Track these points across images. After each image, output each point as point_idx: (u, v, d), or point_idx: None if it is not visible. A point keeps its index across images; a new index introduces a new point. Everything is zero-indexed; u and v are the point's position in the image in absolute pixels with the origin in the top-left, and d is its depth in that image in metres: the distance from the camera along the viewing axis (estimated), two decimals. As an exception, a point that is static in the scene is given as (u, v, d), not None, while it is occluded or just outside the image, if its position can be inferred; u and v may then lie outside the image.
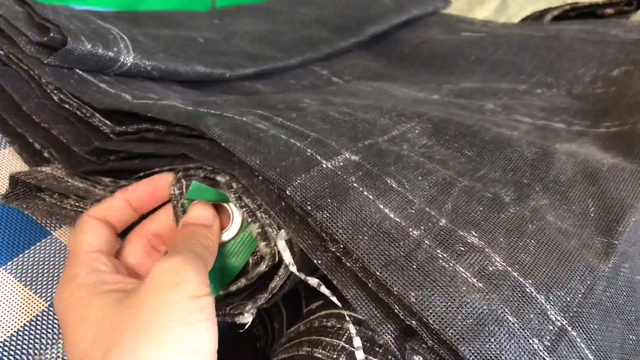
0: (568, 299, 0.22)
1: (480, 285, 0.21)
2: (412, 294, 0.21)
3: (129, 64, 0.35)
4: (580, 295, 0.23)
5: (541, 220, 0.25)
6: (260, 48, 0.47)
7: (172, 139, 0.28)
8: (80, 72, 0.34)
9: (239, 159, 0.25)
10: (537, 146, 0.31)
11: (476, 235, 0.24)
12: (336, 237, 0.22)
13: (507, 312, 0.21)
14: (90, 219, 0.25)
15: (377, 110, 0.32)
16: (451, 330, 0.20)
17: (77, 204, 0.30)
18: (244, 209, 0.26)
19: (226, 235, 0.26)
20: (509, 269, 0.22)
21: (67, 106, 0.32)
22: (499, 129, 0.32)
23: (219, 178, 0.26)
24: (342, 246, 0.23)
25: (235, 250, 0.26)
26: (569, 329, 0.22)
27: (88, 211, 0.26)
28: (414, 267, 0.22)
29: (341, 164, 0.25)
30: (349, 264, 0.23)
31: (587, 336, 0.23)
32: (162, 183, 0.27)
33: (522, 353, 0.20)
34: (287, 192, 0.23)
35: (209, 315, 0.21)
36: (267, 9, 0.58)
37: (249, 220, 0.26)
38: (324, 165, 0.25)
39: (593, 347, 0.23)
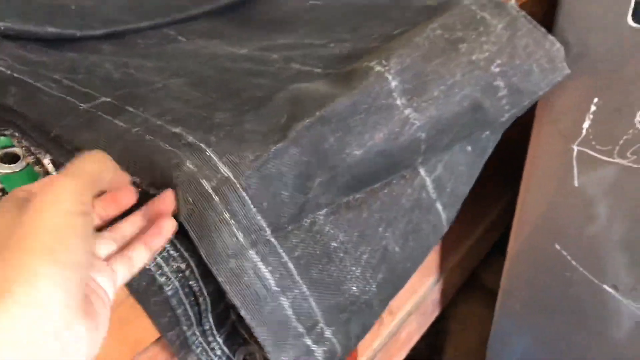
0: (237, 160, 0.34)
1: (171, 148, 0.33)
2: (127, 163, 0.33)
3: (-17, 23, 0.46)
4: (248, 160, 0.35)
5: (238, 126, 0.37)
6: (121, 14, 0.58)
7: None
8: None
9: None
10: (272, 90, 0.43)
11: (181, 129, 0.36)
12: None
13: (187, 162, 0.33)
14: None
15: (157, 71, 0.44)
16: (149, 177, 0.32)
17: None
18: (23, 148, 0.38)
19: (14, 168, 0.39)
20: (197, 142, 0.35)
21: None
22: (253, 79, 0.44)
23: (6, 132, 0.38)
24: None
25: (21, 180, 0.38)
26: (232, 178, 0.34)
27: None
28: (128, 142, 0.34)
29: (96, 103, 0.38)
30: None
31: (248, 185, 0.35)
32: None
33: (195, 187, 0.33)
34: (53, 133, 0.36)
35: (80, 232, 0.23)
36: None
37: (27, 155, 0.38)
38: (81, 107, 0.37)
39: (251, 192, 0.35)
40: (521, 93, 0.57)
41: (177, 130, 0.35)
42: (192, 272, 0.36)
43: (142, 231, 0.32)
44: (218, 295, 0.38)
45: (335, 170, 0.40)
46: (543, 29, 0.61)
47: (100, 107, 0.37)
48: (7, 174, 0.38)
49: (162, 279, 0.34)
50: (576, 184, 0.67)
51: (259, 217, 0.35)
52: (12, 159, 0.39)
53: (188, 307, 0.36)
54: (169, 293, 0.35)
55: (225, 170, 0.34)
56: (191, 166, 0.33)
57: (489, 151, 0.61)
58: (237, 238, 0.33)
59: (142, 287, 0.34)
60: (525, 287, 0.79)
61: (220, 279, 0.33)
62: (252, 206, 0.34)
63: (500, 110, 0.55)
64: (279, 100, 0.41)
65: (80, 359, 0.23)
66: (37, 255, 0.22)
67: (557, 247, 0.72)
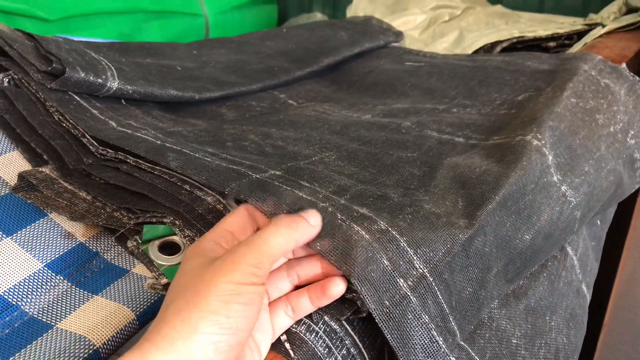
0: (431, 255, 0.31)
1: (367, 236, 0.30)
2: (318, 242, 0.30)
3: (115, 88, 0.44)
4: (440, 254, 0.32)
5: (419, 206, 0.34)
6: (227, 75, 0.56)
7: (137, 175, 0.37)
8: (78, 99, 0.44)
9: (185, 197, 0.34)
10: (427, 165, 0.40)
11: (366, 210, 0.33)
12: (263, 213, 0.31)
13: (383, 257, 0.30)
14: (243, 209, 0.32)
15: (305, 143, 0.42)
16: (345, 267, 0.29)
17: (68, 197, 0.39)
18: (186, 239, 0.35)
19: (176, 260, 0.35)
20: (389, 228, 0.31)
21: (64, 124, 0.41)
22: (400, 152, 0.42)
23: (165, 220, 0.35)
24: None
25: None
26: (428, 275, 0.31)
27: (246, 205, 0.32)
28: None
29: (266, 175, 0.35)
30: None
31: (440, 282, 0.31)
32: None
33: (391, 287, 0.29)
34: (225, 191, 0.33)
35: (247, 300, 0.26)
36: (239, 42, 0.67)
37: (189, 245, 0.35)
38: (254, 177, 0.34)
39: (443, 291, 0.31)
40: (650, 163, 0.54)
41: (364, 211, 0.32)
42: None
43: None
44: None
45: (509, 257, 0.36)
46: (657, 94, 0.59)
47: (275, 179, 0.34)
48: (169, 266, 0.35)
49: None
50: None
51: (452, 318, 0.31)
52: (174, 249, 0.36)
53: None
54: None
55: (420, 266, 0.30)
56: (386, 262, 0.30)
57: (609, 223, 0.57)
58: (438, 344, 0.30)
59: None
60: (625, 362, 0.74)
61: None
62: (445, 307, 0.31)
63: (633, 182, 0.53)
64: (445, 179, 0.38)
65: None
66: (202, 314, 0.25)
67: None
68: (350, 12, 1.02)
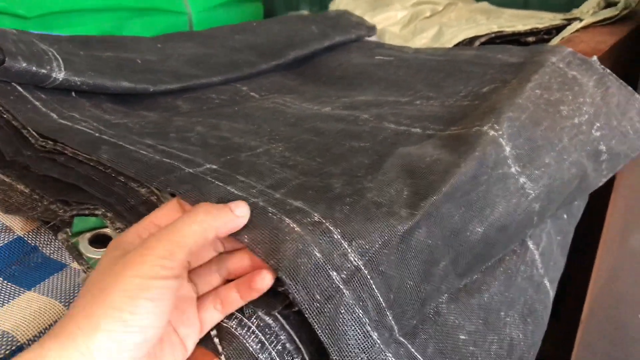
0: (366, 247, 0.30)
1: (298, 229, 0.29)
2: (245, 235, 0.28)
3: (60, 79, 0.43)
4: (377, 245, 0.30)
5: (360, 195, 0.33)
6: (189, 68, 0.55)
7: (72, 166, 0.36)
8: (21, 90, 0.42)
9: (119, 189, 0.33)
10: (378, 154, 0.39)
11: (301, 202, 0.31)
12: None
13: (315, 250, 0.28)
14: (175, 202, 0.30)
15: (253, 135, 0.40)
16: (272, 260, 0.28)
17: (4, 189, 0.37)
18: (117, 231, 0.33)
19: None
20: (323, 220, 0.30)
21: (5, 116, 0.40)
22: (353, 142, 0.40)
23: (96, 212, 0.34)
24: None
25: None
26: (363, 268, 0.29)
27: (178, 198, 0.31)
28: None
29: (200, 169, 0.33)
30: None
31: (376, 275, 0.30)
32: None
33: (323, 280, 0.28)
34: (152, 186, 0.31)
35: (156, 295, 0.24)
36: (207, 35, 0.66)
37: None
38: (186, 171, 0.33)
39: (380, 284, 0.30)
40: (618, 156, 0.53)
41: (299, 204, 0.31)
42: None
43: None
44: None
45: (458, 251, 0.35)
46: (629, 87, 0.57)
47: (208, 173, 0.33)
48: (98, 259, 0.33)
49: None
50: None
51: (389, 313, 0.30)
52: (105, 242, 0.34)
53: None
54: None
55: (355, 259, 0.29)
56: (318, 254, 0.28)
57: (579, 218, 0.56)
58: (372, 339, 0.28)
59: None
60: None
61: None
62: (382, 300, 0.30)
63: (599, 175, 0.51)
64: (393, 168, 0.36)
65: None
66: (106, 311, 0.24)
67: (642, 318, 0.66)
68: (333, 8, 1.01)
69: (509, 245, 0.41)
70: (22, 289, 0.34)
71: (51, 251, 0.37)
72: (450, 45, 0.83)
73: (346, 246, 0.29)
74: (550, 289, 0.46)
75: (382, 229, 0.31)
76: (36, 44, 0.45)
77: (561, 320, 0.74)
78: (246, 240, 0.28)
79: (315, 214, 0.30)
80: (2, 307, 0.32)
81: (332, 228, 0.30)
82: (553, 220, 0.50)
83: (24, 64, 0.40)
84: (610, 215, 0.68)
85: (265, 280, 0.28)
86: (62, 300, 0.34)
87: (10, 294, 0.34)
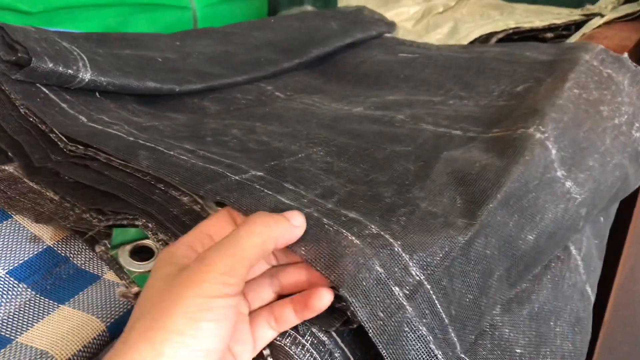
0: (428, 260, 0.28)
1: (358, 242, 0.27)
2: (302, 248, 0.27)
3: (87, 80, 0.41)
4: (438, 258, 0.29)
5: (414, 205, 0.32)
6: (211, 67, 0.53)
7: (108, 173, 0.34)
8: (46, 91, 0.40)
9: (159, 197, 0.31)
10: (422, 160, 0.37)
11: (355, 213, 0.30)
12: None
13: (376, 264, 0.27)
14: (225, 211, 0.29)
15: (291, 138, 0.38)
16: (333, 275, 0.26)
17: (34, 197, 0.35)
18: (159, 243, 0.32)
19: (148, 266, 0.32)
20: (382, 232, 0.28)
21: (31, 119, 0.38)
22: (393, 146, 0.39)
23: (136, 222, 0.32)
24: None
25: None
26: (425, 282, 0.28)
27: (228, 207, 0.29)
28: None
29: (246, 177, 0.32)
30: None
31: (438, 289, 0.28)
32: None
33: (385, 296, 0.26)
34: (200, 194, 0.30)
35: (219, 316, 0.23)
36: (225, 32, 0.64)
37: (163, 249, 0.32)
38: (232, 178, 0.31)
39: (442, 299, 0.28)
40: (655, 157, 0.52)
41: (353, 215, 0.29)
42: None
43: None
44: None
45: (511, 260, 0.33)
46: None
47: (255, 181, 0.31)
48: (141, 273, 0.32)
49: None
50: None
51: (451, 329, 0.28)
52: (146, 254, 0.33)
53: None
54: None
55: (417, 273, 0.28)
56: (380, 269, 0.27)
57: (612, 219, 0.55)
58: (437, 357, 0.27)
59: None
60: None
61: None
62: (444, 317, 0.28)
63: (638, 177, 0.50)
64: (442, 175, 0.35)
65: None
66: (168, 335, 0.22)
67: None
68: (342, 4, 0.99)
69: (554, 252, 0.40)
70: (56, 303, 0.32)
71: (82, 261, 0.35)
72: (467, 41, 0.82)
73: (407, 259, 0.28)
74: (592, 295, 0.45)
75: (443, 241, 0.29)
76: (60, 42, 0.43)
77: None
78: (303, 252, 0.27)
79: (372, 226, 0.28)
80: (37, 323, 0.31)
81: (391, 240, 0.28)
82: (591, 224, 0.49)
83: (51, 65, 0.38)
84: (636, 216, 0.67)
85: (323, 300, 0.26)
86: (99, 315, 0.32)
87: (44, 309, 0.32)
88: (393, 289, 0.27)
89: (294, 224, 0.27)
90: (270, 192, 0.30)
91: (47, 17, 0.79)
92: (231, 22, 1.07)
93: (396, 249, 0.28)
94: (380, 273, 0.27)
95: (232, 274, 0.24)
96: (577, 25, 0.82)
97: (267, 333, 0.28)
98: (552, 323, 0.37)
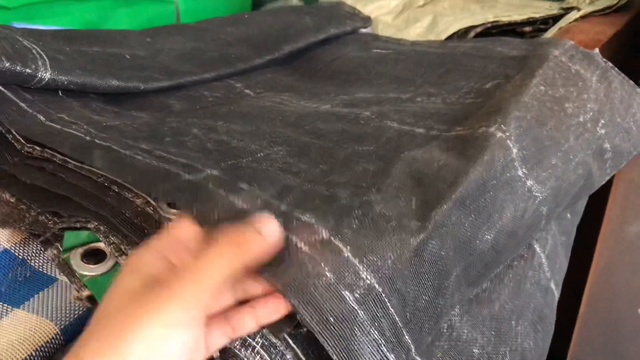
0: (379, 263, 0.28)
1: (306, 249, 0.27)
2: None
3: (47, 79, 0.40)
4: (389, 261, 0.29)
5: (368, 208, 0.32)
6: (180, 64, 0.53)
7: (63, 175, 0.34)
8: (4, 90, 0.40)
9: (112, 199, 0.31)
10: (382, 160, 0.37)
11: (309, 215, 0.30)
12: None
13: (326, 269, 0.27)
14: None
15: (252, 137, 0.38)
16: (280, 283, 0.26)
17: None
18: (111, 246, 0.31)
19: (100, 269, 0.32)
20: (332, 238, 0.28)
21: (-13, 120, 0.38)
22: (356, 146, 0.39)
23: (89, 225, 0.32)
24: None
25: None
26: (377, 286, 0.28)
27: None
28: None
29: (201, 176, 0.31)
30: None
31: (391, 293, 0.28)
32: None
33: (336, 302, 0.26)
34: (151, 195, 0.29)
35: (180, 348, 0.22)
36: (198, 28, 0.64)
37: (116, 254, 0.31)
38: (185, 177, 0.31)
39: (395, 302, 0.28)
40: (622, 154, 0.52)
41: (307, 217, 0.29)
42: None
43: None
44: None
45: (468, 260, 0.34)
46: (631, 81, 0.56)
47: (210, 181, 0.31)
48: (92, 276, 0.31)
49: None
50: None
51: (405, 332, 0.28)
52: (98, 257, 0.32)
53: None
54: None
55: (367, 276, 0.28)
56: (329, 274, 0.27)
57: (581, 215, 0.55)
58: (388, 360, 0.27)
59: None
60: (600, 355, 0.73)
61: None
62: (397, 319, 0.28)
63: (603, 174, 0.50)
64: (400, 176, 0.35)
65: None
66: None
67: (640, 313, 0.66)
68: (325, -3, 0.99)
69: (516, 251, 0.40)
70: (9, 307, 0.32)
71: (40, 264, 0.35)
72: (446, 34, 0.81)
73: (357, 263, 0.28)
74: (556, 291, 0.45)
75: (394, 244, 0.29)
76: (19, 40, 0.42)
77: (559, 314, 0.73)
78: None
79: (324, 230, 0.28)
80: (-11, 328, 0.31)
81: (341, 245, 0.28)
82: (557, 220, 0.49)
83: (7, 64, 0.38)
84: (609, 209, 0.67)
85: (280, 310, 0.26)
86: (53, 318, 0.32)
87: (-3, 312, 0.32)
88: (343, 293, 0.27)
89: (264, 234, 0.26)
90: (224, 193, 0.30)
91: (26, 11, 0.78)
92: (214, 15, 1.07)
93: (345, 255, 0.28)
94: (330, 278, 0.27)
95: (198, 304, 0.23)
96: (555, 19, 0.82)
97: (220, 340, 0.27)
98: (513, 322, 0.37)
